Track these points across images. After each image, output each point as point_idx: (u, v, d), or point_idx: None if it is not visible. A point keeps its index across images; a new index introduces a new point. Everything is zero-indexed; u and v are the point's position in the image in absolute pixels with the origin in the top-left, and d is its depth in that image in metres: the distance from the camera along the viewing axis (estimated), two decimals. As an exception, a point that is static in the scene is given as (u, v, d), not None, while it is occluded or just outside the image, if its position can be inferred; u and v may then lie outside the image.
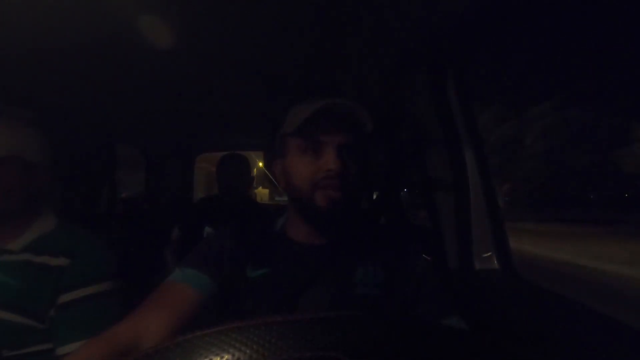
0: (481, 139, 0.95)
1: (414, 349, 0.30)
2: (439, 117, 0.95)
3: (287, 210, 0.72)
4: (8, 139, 0.72)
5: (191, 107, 1.38)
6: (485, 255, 0.90)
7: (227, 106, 1.37)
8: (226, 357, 0.26)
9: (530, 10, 0.76)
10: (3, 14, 0.69)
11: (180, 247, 1.39)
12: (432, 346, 0.30)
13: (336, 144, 0.61)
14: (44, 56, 0.87)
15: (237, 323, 0.29)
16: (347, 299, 0.62)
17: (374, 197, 1.80)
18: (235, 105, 1.37)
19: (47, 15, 0.70)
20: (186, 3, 0.68)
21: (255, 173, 1.80)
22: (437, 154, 0.99)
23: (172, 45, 0.81)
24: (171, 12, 0.70)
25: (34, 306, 0.69)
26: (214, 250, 0.67)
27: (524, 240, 7.29)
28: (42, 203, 0.79)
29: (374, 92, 1.21)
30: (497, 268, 0.89)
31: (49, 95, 1.12)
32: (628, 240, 7.85)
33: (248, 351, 0.27)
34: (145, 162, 2.12)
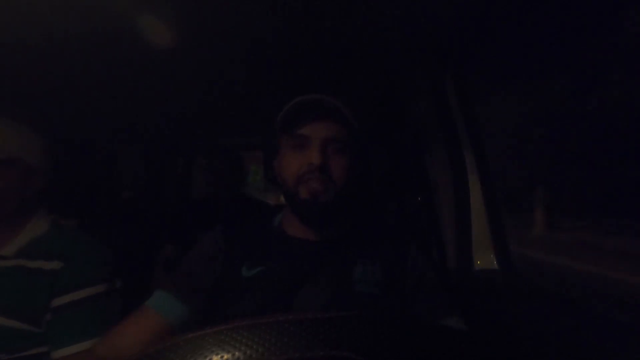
0: (482, 138, 0.95)
1: (425, 348, 0.30)
2: (439, 117, 0.95)
3: (284, 206, 0.72)
4: (11, 141, 0.72)
5: (191, 107, 1.38)
6: (485, 255, 0.90)
7: (226, 106, 1.37)
8: (226, 356, 0.26)
9: (530, 10, 0.76)
10: (4, 16, 0.69)
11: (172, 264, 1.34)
12: (445, 347, 0.30)
13: (320, 139, 0.62)
14: (43, 56, 0.87)
15: (242, 322, 0.28)
16: (346, 297, 0.61)
17: (375, 197, 1.80)
18: (235, 105, 1.37)
19: (47, 16, 0.70)
20: (186, 3, 0.68)
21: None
22: (437, 153, 0.99)
23: (172, 45, 0.81)
24: (170, 12, 0.70)
25: (30, 310, 0.68)
26: (200, 258, 0.67)
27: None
28: (37, 205, 0.78)
29: (374, 92, 1.21)
30: (497, 268, 0.89)
31: (49, 95, 1.12)
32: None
33: (259, 349, 0.26)
34: (144, 162, 2.12)
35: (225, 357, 0.26)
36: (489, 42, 0.86)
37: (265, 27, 0.78)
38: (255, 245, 0.67)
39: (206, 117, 1.56)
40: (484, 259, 0.90)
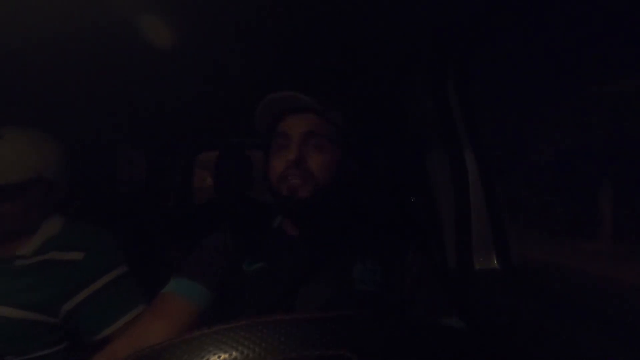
0: (482, 138, 0.95)
1: (423, 348, 0.30)
2: (440, 116, 0.95)
3: None
4: (31, 161, 0.74)
5: (191, 107, 1.38)
6: (485, 255, 0.90)
7: (226, 106, 1.37)
8: (224, 356, 0.26)
9: (530, 9, 0.76)
10: (3, 17, 0.69)
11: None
12: (443, 346, 0.30)
13: (298, 134, 0.62)
14: (43, 57, 0.86)
15: (240, 322, 0.28)
16: (346, 296, 0.62)
17: (374, 196, 1.79)
18: (235, 105, 1.37)
19: (47, 16, 0.70)
20: (186, 3, 0.68)
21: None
22: (438, 153, 0.99)
23: (172, 45, 0.81)
24: (171, 12, 0.70)
25: (47, 301, 0.70)
26: (210, 251, 0.67)
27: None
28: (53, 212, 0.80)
29: (375, 91, 1.21)
30: (497, 268, 0.88)
31: (49, 96, 1.12)
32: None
33: (257, 349, 0.26)
34: (145, 162, 2.12)
35: (223, 357, 0.26)
36: (491, 42, 0.85)
37: (265, 26, 0.77)
38: (257, 243, 0.67)
39: (207, 117, 1.56)
40: (485, 259, 0.90)
